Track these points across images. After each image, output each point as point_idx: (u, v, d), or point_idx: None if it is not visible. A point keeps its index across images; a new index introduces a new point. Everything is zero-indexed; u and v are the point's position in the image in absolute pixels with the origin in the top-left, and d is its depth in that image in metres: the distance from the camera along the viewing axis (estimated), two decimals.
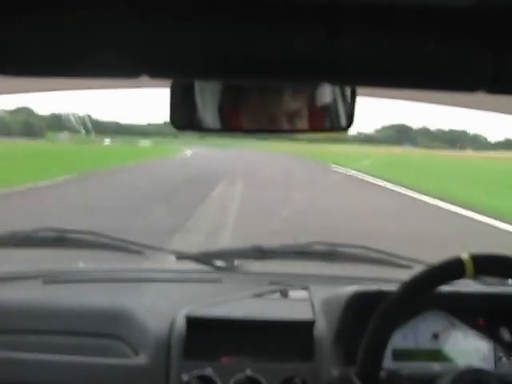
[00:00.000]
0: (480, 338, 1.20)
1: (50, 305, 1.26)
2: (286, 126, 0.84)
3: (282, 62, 0.58)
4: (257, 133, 0.88)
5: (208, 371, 1.12)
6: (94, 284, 1.45)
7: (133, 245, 1.55)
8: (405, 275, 1.04)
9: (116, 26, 0.55)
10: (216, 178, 12.83)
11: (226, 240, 5.45)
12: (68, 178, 12.22)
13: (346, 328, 1.17)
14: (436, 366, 1.17)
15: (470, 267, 0.95)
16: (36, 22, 0.56)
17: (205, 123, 0.84)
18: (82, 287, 1.42)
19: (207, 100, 0.83)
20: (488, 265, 0.99)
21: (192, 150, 28.07)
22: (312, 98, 0.84)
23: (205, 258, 1.54)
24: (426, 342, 1.20)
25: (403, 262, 1.51)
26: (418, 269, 1.04)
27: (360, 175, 15.74)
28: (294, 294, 1.35)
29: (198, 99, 0.82)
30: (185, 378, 1.11)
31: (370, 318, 0.97)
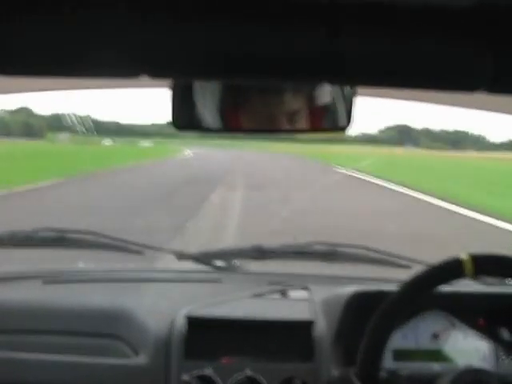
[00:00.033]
0: (480, 337, 1.20)
1: (49, 305, 1.26)
2: (285, 126, 0.84)
3: (282, 61, 0.58)
4: (257, 132, 0.88)
5: (208, 371, 1.12)
6: (94, 284, 1.45)
7: (133, 245, 1.55)
8: (405, 275, 1.04)
9: (116, 25, 0.55)
10: (216, 179, 12.31)
11: (226, 242, 5.41)
12: (55, 183, 11.13)
13: (346, 328, 1.17)
14: (436, 366, 1.17)
15: (469, 267, 0.95)
16: (36, 22, 0.56)
17: (205, 123, 0.84)
18: (82, 287, 1.42)
19: (207, 100, 0.83)
20: (487, 265, 0.99)
21: (193, 151, 27.90)
22: (312, 98, 0.84)
23: (205, 258, 1.54)
24: (426, 342, 1.20)
25: (403, 262, 1.51)
26: (417, 269, 1.04)
27: (363, 176, 15.27)
28: (294, 293, 1.35)
29: (198, 99, 0.82)
30: (185, 377, 1.11)
31: (369, 318, 0.97)
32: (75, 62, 0.58)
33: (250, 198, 9.37)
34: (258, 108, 0.82)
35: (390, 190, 12.37)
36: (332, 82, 0.69)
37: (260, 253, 1.53)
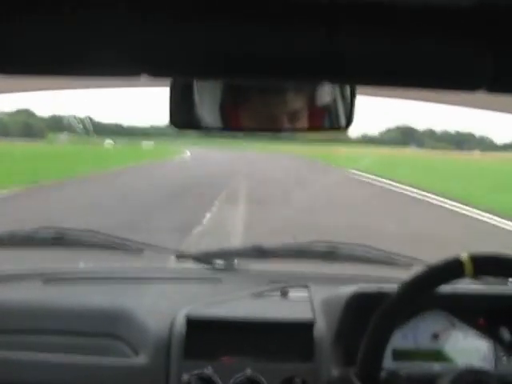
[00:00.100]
0: (480, 337, 1.20)
1: (49, 305, 1.26)
2: (285, 126, 0.84)
3: (282, 61, 0.58)
4: (257, 132, 0.88)
5: (208, 371, 1.12)
6: (93, 284, 1.45)
7: (133, 244, 1.55)
8: (405, 275, 1.04)
9: (116, 25, 0.56)
10: (213, 187, 10.66)
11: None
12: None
13: (346, 328, 1.17)
14: (436, 366, 1.17)
15: (469, 267, 0.95)
16: (36, 22, 0.56)
17: (205, 122, 0.84)
18: (82, 287, 1.42)
19: (207, 99, 0.83)
20: (487, 265, 0.99)
21: (194, 152, 27.78)
22: (312, 98, 0.85)
23: (205, 258, 1.54)
24: (425, 342, 1.20)
25: (403, 262, 1.51)
26: (418, 268, 1.04)
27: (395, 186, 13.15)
28: (294, 293, 1.35)
29: (198, 99, 0.82)
30: (185, 377, 1.11)
31: (369, 318, 0.97)
32: (76, 62, 0.58)
33: (258, 217, 7.13)
34: (258, 107, 0.82)
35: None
36: (332, 81, 0.70)
37: (260, 252, 1.53)
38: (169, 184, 12.01)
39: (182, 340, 1.15)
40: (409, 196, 11.56)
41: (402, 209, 9.56)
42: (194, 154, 26.85)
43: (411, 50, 0.58)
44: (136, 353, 1.17)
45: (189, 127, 0.87)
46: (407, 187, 12.45)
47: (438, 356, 1.19)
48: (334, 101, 0.85)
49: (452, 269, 0.97)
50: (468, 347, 1.20)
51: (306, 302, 1.29)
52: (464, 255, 0.96)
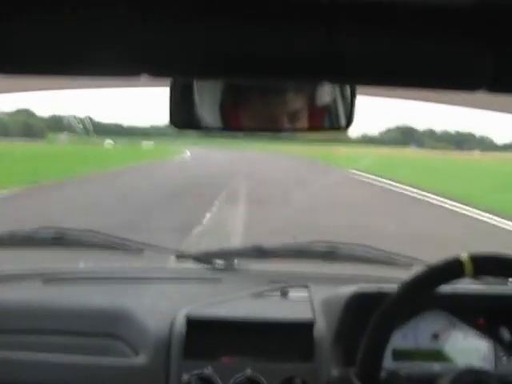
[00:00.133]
0: (480, 337, 1.20)
1: (49, 305, 1.26)
2: (285, 126, 0.84)
3: (282, 61, 0.58)
4: (257, 132, 0.88)
5: (208, 371, 1.11)
6: (93, 284, 1.45)
7: (133, 244, 1.55)
8: (405, 275, 1.04)
9: (116, 25, 0.56)
10: (218, 185, 10.96)
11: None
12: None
13: (346, 328, 1.17)
14: (436, 366, 1.17)
15: (469, 267, 0.95)
16: (36, 22, 0.56)
17: (205, 122, 0.84)
18: (82, 287, 1.42)
19: (207, 99, 0.83)
20: (487, 265, 0.99)
21: (194, 152, 27.64)
22: (312, 98, 0.85)
23: (205, 258, 1.54)
24: (425, 342, 1.20)
25: (403, 262, 1.51)
26: (418, 268, 1.04)
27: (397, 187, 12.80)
28: (294, 293, 1.35)
29: (198, 99, 0.82)
30: (185, 377, 1.11)
31: (369, 318, 0.97)
32: (76, 62, 0.58)
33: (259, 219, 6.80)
34: (258, 107, 0.82)
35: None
36: (332, 81, 0.70)
37: (260, 252, 1.53)
38: (169, 184, 11.88)
39: (181, 340, 1.15)
40: (409, 196, 11.48)
41: (402, 209, 9.51)
42: (194, 155, 26.71)
43: (411, 49, 0.59)
44: (136, 353, 1.17)
45: (189, 127, 0.87)
46: (407, 187, 12.34)
47: (438, 356, 1.19)
48: (334, 101, 0.85)
49: (452, 269, 0.97)
50: (468, 347, 1.20)
51: (306, 302, 1.29)
52: (464, 255, 0.96)
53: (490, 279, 1.32)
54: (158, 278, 1.53)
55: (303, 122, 0.85)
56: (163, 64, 0.59)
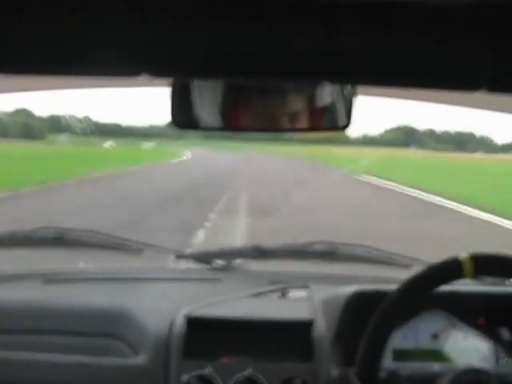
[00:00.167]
0: (480, 337, 1.20)
1: (49, 305, 1.26)
2: (285, 125, 0.84)
3: (282, 61, 0.58)
4: (256, 131, 0.88)
5: (208, 371, 1.11)
6: (93, 283, 1.45)
7: (133, 244, 1.55)
8: (405, 275, 1.04)
9: (116, 25, 0.56)
10: (221, 185, 10.66)
11: None
12: None
13: (346, 328, 1.17)
14: (436, 366, 1.17)
15: (468, 267, 0.95)
16: (36, 22, 0.56)
17: (205, 122, 0.84)
18: (82, 287, 1.42)
19: (207, 99, 0.83)
20: (487, 265, 0.99)
21: (195, 153, 27.36)
22: (311, 98, 0.85)
23: (204, 258, 1.54)
24: (425, 342, 1.20)
25: (403, 262, 1.51)
26: (417, 268, 1.04)
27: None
28: (294, 293, 1.35)
29: (199, 98, 0.82)
30: (184, 377, 1.11)
31: (369, 317, 0.97)
32: (76, 61, 0.58)
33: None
34: (258, 107, 0.82)
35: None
36: (332, 81, 0.70)
37: (260, 252, 1.53)
38: (169, 187, 11.52)
39: (181, 340, 1.15)
40: (428, 202, 10.57)
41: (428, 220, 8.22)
42: (195, 156, 26.51)
43: (411, 49, 0.59)
44: (136, 353, 1.17)
45: (189, 127, 0.87)
46: (423, 193, 11.49)
47: (438, 356, 1.19)
48: (334, 101, 0.85)
49: (451, 269, 0.97)
50: (468, 347, 1.20)
51: (306, 301, 1.29)
52: (463, 255, 0.96)
53: (490, 279, 1.32)
54: (157, 278, 1.53)
55: (303, 121, 0.85)
56: (163, 64, 0.59)
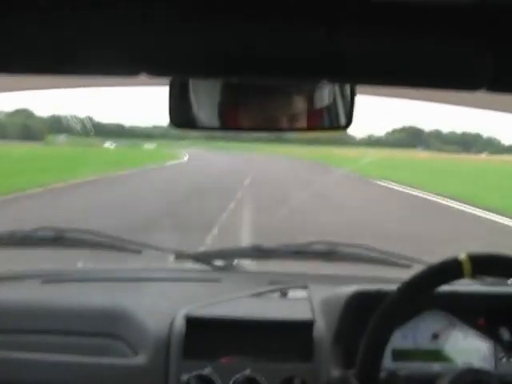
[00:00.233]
0: (480, 337, 1.20)
1: (49, 304, 1.26)
2: (285, 125, 0.84)
3: (282, 61, 0.58)
4: (256, 131, 0.88)
5: (207, 371, 1.11)
6: (93, 283, 1.45)
7: (132, 244, 1.55)
8: (405, 275, 1.04)
9: (116, 24, 0.56)
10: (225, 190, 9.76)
11: None
12: None
13: (346, 328, 1.17)
14: (436, 366, 1.17)
15: (468, 267, 0.95)
16: (36, 21, 0.56)
17: (205, 122, 0.84)
18: (81, 287, 1.42)
19: (207, 99, 0.83)
20: (486, 265, 0.98)
21: (196, 154, 27.04)
22: (312, 98, 0.85)
23: (204, 258, 1.54)
24: (425, 342, 1.20)
25: (403, 262, 1.51)
26: (417, 268, 1.04)
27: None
28: (294, 293, 1.35)
29: (198, 98, 0.82)
30: (184, 377, 1.11)
31: (369, 318, 0.97)
32: (75, 60, 0.58)
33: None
34: (258, 107, 0.82)
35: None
36: (332, 81, 0.70)
37: (260, 252, 1.53)
38: (171, 188, 10.99)
39: (181, 340, 1.15)
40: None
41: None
42: (195, 156, 26.21)
43: (411, 49, 0.59)
44: (135, 353, 1.17)
45: (188, 127, 0.87)
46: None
47: (438, 356, 1.19)
48: (334, 100, 0.85)
49: (451, 269, 0.97)
50: (468, 347, 1.20)
51: (306, 301, 1.29)
52: (463, 255, 0.96)
53: (490, 279, 1.32)
54: (157, 278, 1.53)
55: (303, 121, 0.85)
56: (163, 63, 0.59)
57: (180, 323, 1.17)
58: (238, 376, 1.11)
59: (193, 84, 0.82)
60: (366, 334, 0.96)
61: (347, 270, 1.58)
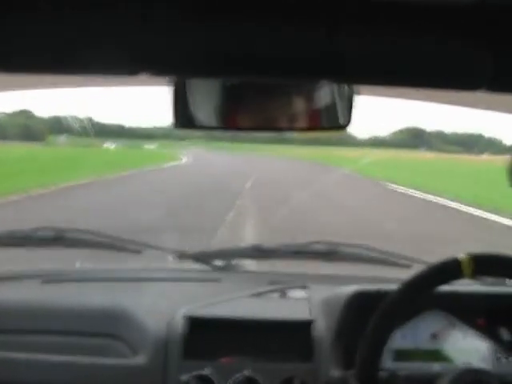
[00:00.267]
0: (479, 337, 1.20)
1: (48, 305, 1.26)
2: (285, 124, 0.84)
3: (282, 61, 0.58)
4: (256, 131, 0.88)
5: (207, 371, 1.11)
6: (92, 283, 1.45)
7: (132, 244, 1.55)
8: (405, 275, 1.04)
9: (116, 23, 0.56)
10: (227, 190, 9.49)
11: None
12: None
13: (346, 328, 1.17)
14: (435, 366, 1.17)
15: (467, 267, 0.95)
16: (37, 20, 0.56)
17: (204, 121, 0.84)
18: (81, 287, 1.42)
19: (206, 98, 0.83)
20: (486, 265, 0.99)
21: (197, 155, 26.80)
22: (311, 97, 0.85)
23: (204, 258, 1.54)
24: (425, 342, 1.20)
25: (403, 262, 1.51)
26: (417, 268, 1.04)
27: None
28: (294, 293, 1.35)
29: (198, 97, 0.82)
30: (184, 377, 1.11)
31: (369, 317, 0.97)
32: (75, 60, 0.58)
33: None
34: (257, 106, 0.82)
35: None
36: (332, 81, 0.70)
37: (259, 252, 1.53)
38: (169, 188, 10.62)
39: (180, 340, 1.15)
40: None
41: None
42: (197, 157, 26.03)
43: (411, 49, 0.59)
44: (135, 353, 1.17)
45: (189, 126, 0.87)
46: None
47: (438, 356, 1.19)
48: (334, 100, 0.85)
49: (451, 269, 0.97)
50: (467, 347, 1.20)
51: (306, 301, 1.29)
52: (462, 255, 0.96)
53: (490, 279, 1.32)
54: (157, 277, 1.53)
55: (303, 121, 0.85)
56: (163, 63, 0.59)
57: (180, 323, 1.17)
58: (237, 376, 1.11)
59: (193, 84, 0.82)
60: (366, 334, 0.96)
61: (347, 269, 1.58)
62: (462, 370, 1.01)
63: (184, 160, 23.57)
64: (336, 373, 1.11)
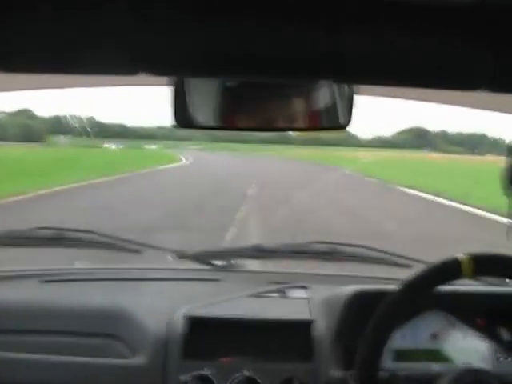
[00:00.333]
0: (479, 337, 1.20)
1: (48, 304, 1.26)
2: (285, 124, 0.84)
3: (282, 61, 0.58)
4: (256, 130, 0.88)
5: (207, 371, 1.11)
6: (92, 283, 1.44)
7: (131, 243, 1.55)
8: (405, 275, 1.04)
9: (116, 23, 0.56)
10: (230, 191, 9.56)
11: None
12: None
13: (346, 327, 1.17)
14: (435, 366, 1.17)
15: (467, 267, 0.95)
16: (37, 20, 0.56)
17: (204, 121, 0.84)
18: (80, 286, 1.42)
19: (207, 98, 0.83)
20: (486, 265, 0.98)
21: (198, 155, 26.61)
22: (311, 97, 0.85)
23: (204, 257, 1.54)
24: (425, 342, 1.20)
25: (403, 262, 1.51)
26: (417, 268, 1.04)
27: None
28: (294, 293, 1.35)
29: (198, 97, 0.83)
30: (183, 378, 1.11)
31: (369, 317, 0.97)
32: (75, 59, 0.58)
33: None
34: (258, 106, 0.82)
35: None
36: (332, 80, 0.70)
37: (259, 252, 1.53)
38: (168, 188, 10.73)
39: (180, 340, 1.15)
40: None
41: None
42: (197, 157, 25.93)
43: (411, 49, 0.59)
44: (134, 353, 1.17)
45: (189, 126, 0.87)
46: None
47: (437, 356, 1.19)
48: (333, 99, 0.85)
49: (451, 269, 0.97)
50: (467, 347, 1.20)
51: (306, 301, 1.29)
52: (462, 255, 0.96)
53: (489, 279, 1.32)
54: (157, 277, 1.53)
55: (303, 120, 0.85)
56: (163, 62, 0.59)
57: (179, 323, 1.17)
58: (237, 376, 1.11)
59: (192, 83, 0.82)
60: (366, 335, 0.96)
61: (347, 269, 1.58)
62: (461, 370, 1.01)
63: (183, 161, 23.49)
64: (336, 373, 1.11)
